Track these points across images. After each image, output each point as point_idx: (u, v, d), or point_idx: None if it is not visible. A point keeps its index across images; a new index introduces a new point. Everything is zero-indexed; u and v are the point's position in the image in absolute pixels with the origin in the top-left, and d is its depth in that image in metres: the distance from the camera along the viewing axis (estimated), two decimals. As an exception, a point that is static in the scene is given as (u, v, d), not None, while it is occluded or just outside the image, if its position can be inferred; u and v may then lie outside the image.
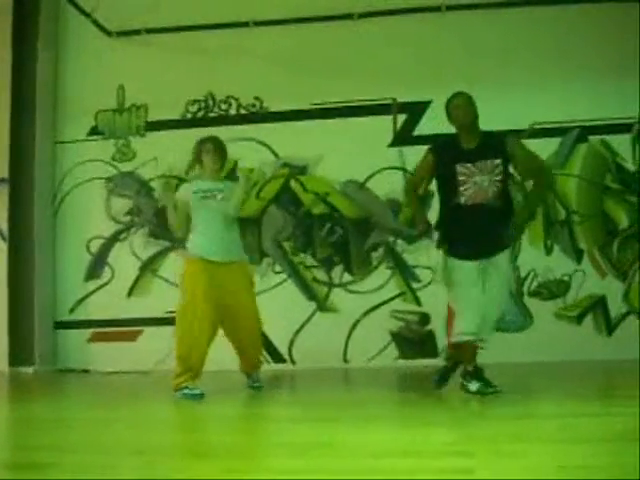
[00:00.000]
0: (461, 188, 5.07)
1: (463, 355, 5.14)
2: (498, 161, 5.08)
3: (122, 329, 8.03)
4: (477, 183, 5.05)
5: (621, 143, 7.66)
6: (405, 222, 7.84)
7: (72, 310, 8.17)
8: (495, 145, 5.16)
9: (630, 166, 7.67)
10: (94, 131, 8.34)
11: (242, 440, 3.61)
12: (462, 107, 5.16)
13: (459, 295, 5.15)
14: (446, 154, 5.21)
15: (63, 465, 3.04)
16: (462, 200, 5.08)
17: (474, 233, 5.07)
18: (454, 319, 5.23)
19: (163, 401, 5.51)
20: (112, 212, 8.23)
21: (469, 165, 5.07)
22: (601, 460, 2.83)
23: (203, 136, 5.78)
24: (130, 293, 8.10)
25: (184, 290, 5.48)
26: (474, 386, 4.98)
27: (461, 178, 5.07)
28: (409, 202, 5.87)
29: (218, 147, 5.63)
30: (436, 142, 5.47)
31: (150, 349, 7.82)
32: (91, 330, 8.11)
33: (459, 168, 5.06)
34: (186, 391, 5.29)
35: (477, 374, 5.04)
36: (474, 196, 5.05)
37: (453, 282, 5.18)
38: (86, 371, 7.95)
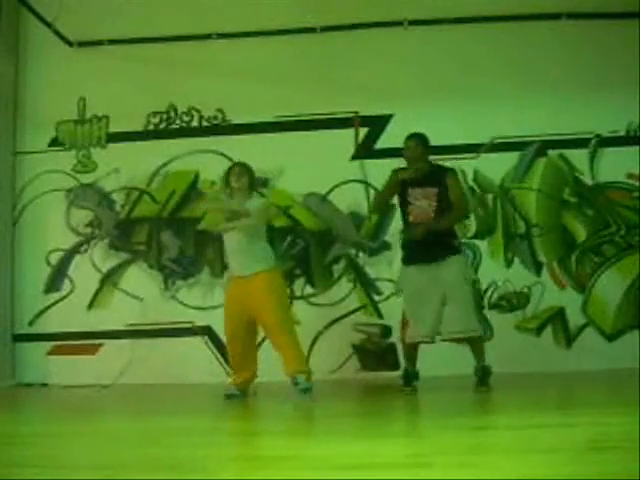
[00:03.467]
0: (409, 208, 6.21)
1: (405, 353, 6.30)
2: (435, 189, 6.14)
3: (82, 342, 7.93)
4: (420, 206, 6.14)
5: (579, 157, 7.78)
6: (367, 235, 7.88)
7: (31, 323, 8.06)
8: (437, 176, 6.22)
9: (588, 180, 7.78)
10: (55, 142, 8.26)
11: (204, 454, 3.59)
12: (411, 148, 6.28)
13: (406, 300, 6.23)
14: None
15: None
16: (410, 219, 6.20)
17: (420, 245, 6.07)
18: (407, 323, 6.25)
19: (123, 415, 5.46)
20: (72, 224, 8.14)
21: (417, 189, 6.16)
22: (561, 470, 2.86)
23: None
24: (90, 306, 8.01)
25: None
26: (400, 381, 6.22)
27: (409, 199, 6.20)
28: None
29: (242, 168, 6.23)
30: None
31: (110, 362, 7.74)
32: (50, 343, 8.00)
33: (410, 191, 6.18)
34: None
35: (406, 376, 6.18)
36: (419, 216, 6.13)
37: (402, 289, 6.32)
38: (45, 385, 7.84)
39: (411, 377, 6.22)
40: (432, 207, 6.11)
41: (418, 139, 6.28)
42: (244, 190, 6.21)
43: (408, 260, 6.23)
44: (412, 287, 6.15)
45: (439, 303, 6.05)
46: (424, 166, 6.22)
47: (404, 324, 6.34)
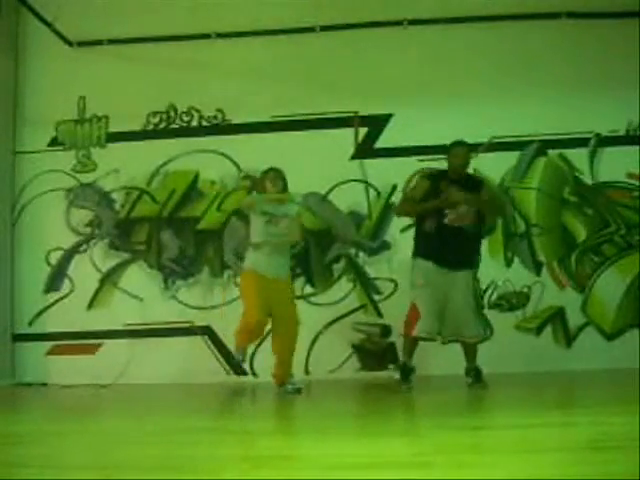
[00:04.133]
0: (446, 211, 6.27)
1: (406, 347, 6.34)
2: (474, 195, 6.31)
3: (82, 342, 7.93)
4: (459, 211, 6.27)
5: (579, 157, 7.78)
6: (366, 235, 7.88)
7: (31, 323, 8.05)
8: (474, 184, 6.44)
9: (587, 179, 7.78)
10: (54, 142, 8.25)
11: (203, 453, 3.59)
12: (462, 155, 6.40)
13: (421, 294, 6.25)
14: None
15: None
16: (446, 220, 6.26)
17: (448, 248, 6.23)
18: (417, 317, 6.23)
19: (123, 415, 5.46)
20: (72, 223, 8.14)
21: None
22: (562, 470, 2.86)
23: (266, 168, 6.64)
24: (90, 306, 8.01)
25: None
26: (396, 375, 6.30)
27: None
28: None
29: (279, 175, 6.49)
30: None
31: (110, 362, 7.74)
32: (50, 343, 8.00)
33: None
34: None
35: (404, 370, 6.26)
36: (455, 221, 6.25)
37: (416, 283, 6.32)
38: (44, 384, 7.84)
39: (409, 372, 6.31)
40: (470, 212, 6.31)
41: (467, 147, 6.48)
42: (280, 190, 6.47)
43: (430, 256, 6.30)
44: (430, 283, 6.24)
45: (445, 306, 6.26)
46: (464, 173, 6.46)
47: (412, 317, 6.29)
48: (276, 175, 6.49)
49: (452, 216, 6.25)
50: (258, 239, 6.39)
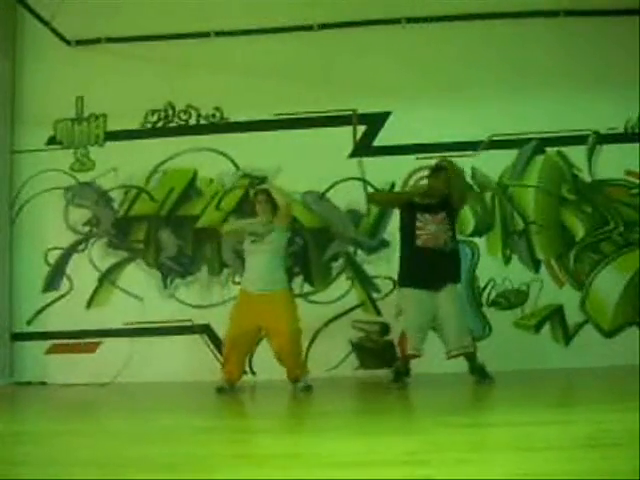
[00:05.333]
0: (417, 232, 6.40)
1: (403, 362, 6.46)
2: (444, 213, 6.41)
3: (81, 341, 7.93)
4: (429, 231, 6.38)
5: (577, 154, 7.78)
6: (365, 233, 7.88)
7: (30, 322, 8.05)
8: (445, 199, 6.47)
9: (586, 177, 7.78)
10: (52, 141, 8.25)
11: (202, 452, 3.59)
12: (442, 179, 6.45)
13: (412, 319, 6.38)
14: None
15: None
16: (419, 243, 6.38)
17: (426, 268, 6.35)
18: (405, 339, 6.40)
19: (122, 413, 5.46)
20: (70, 222, 8.14)
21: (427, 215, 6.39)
22: (560, 467, 2.86)
23: (257, 187, 7.03)
24: (89, 304, 8.00)
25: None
26: (391, 376, 6.44)
27: (419, 224, 6.41)
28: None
29: (266, 198, 6.63)
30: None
31: (109, 361, 7.74)
32: (49, 342, 7.99)
33: (418, 216, 6.41)
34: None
35: (399, 373, 6.39)
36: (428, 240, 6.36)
37: (406, 308, 6.45)
38: (43, 383, 7.84)
39: (402, 375, 6.42)
40: (441, 230, 6.40)
41: (446, 171, 6.50)
42: (268, 213, 6.62)
43: (412, 283, 6.41)
44: (417, 307, 6.35)
45: (438, 325, 6.42)
46: (442, 194, 6.50)
47: (404, 338, 6.44)
48: (263, 198, 6.65)
49: (425, 237, 6.35)
50: (250, 259, 6.61)
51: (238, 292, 6.76)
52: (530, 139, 7.80)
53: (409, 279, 6.46)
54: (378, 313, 7.78)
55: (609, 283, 7.61)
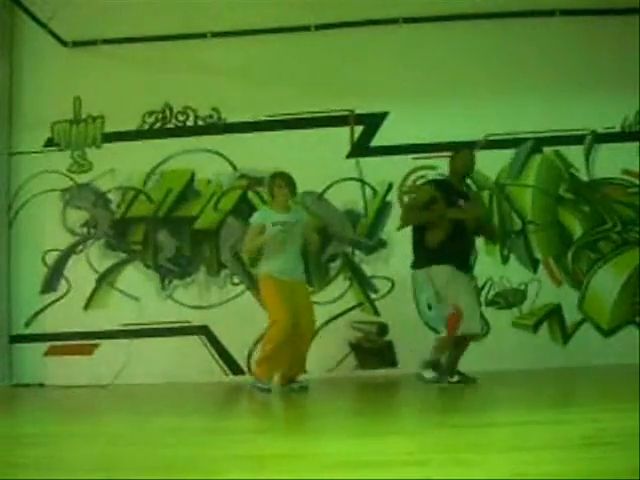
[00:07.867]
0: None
1: (447, 346, 6.14)
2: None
3: (79, 342, 7.93)
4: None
5: (575, 154, 7.78)
6: (363, 233, 7.88)
7: (28, 324, 8.05)
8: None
9: (583, 176, 7.79)
10: (50, 142, 8.25)
11: (200, 453, 3.59)
12: (471, 160, 6.40)
13: (462, 293, 6.10)
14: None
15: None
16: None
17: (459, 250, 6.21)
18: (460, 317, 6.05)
19: (121, 415, 5.45)
20: (68, 224, 8.14)
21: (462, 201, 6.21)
22: (558, 467, 2.86)
23: (275, 171, 6.65)
24: (87, 306, 8.01)
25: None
26: (427, 375, 6.08)
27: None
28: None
29: (286, 181, 6.44)
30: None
31: (107, 362, 7.75)
32: (47, 344, 7.99)
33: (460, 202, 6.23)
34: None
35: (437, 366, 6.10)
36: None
37: (450, 285, 6.12)
38: (42, 385, 7.84)
39: (445, 374, 6.21)
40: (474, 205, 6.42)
41: (472, 150, 6.59)
42: (288, 196, 6.50)
43: (446, 260, 6.10)
44: (462, 281, 6.17)
45: None
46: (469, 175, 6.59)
47: (458, 316, 6.05)
48: (282, 181, 6.46)
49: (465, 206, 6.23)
50: (274, 246, 6.32)
51: (264, 282, 6.38)
52: (527, 138, 7.82)
53: (442, 256, 6.11)
54: (376, 313, 7.79)
55: (607, 282, 7.63)
